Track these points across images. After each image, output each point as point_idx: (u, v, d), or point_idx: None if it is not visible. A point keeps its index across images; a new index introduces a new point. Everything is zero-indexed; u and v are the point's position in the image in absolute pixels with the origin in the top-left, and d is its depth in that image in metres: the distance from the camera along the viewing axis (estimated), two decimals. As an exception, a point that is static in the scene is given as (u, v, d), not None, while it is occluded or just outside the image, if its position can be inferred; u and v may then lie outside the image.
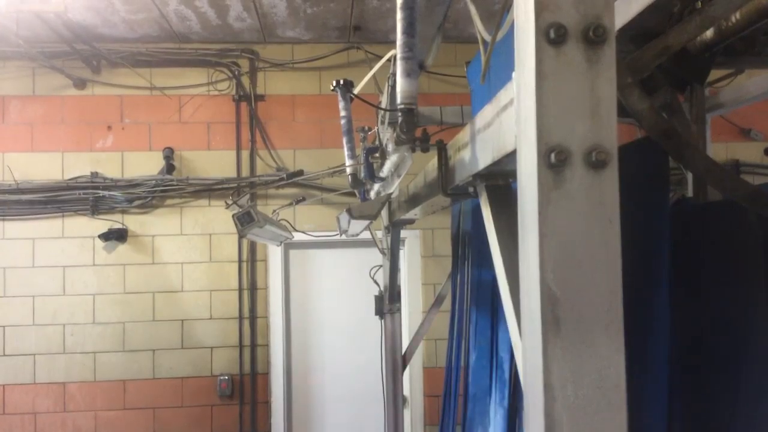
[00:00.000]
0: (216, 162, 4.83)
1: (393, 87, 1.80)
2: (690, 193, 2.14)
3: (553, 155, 0.77)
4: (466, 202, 2.71)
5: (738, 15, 1.36)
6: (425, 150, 1.61)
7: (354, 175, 2.72)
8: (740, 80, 2.45)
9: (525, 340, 0.84)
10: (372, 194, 2.83)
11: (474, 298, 2.58)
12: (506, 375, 2.17)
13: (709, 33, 1.45)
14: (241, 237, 4.55)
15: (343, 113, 2.53)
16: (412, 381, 4.83)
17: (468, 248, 2.75)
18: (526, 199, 0.81)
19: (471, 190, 1.56)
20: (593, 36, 0.77)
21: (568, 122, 0.77)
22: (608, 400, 0.77)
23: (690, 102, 1.99)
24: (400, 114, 1.41)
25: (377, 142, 2.30)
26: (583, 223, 0.77)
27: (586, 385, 0.76)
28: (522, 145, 0.83)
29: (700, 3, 1.38)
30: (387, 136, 1.94)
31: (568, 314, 0.77)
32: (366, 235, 3.47)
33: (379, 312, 3.31)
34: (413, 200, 2.39)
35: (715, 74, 2.06)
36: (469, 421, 2.45)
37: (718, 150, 4.87)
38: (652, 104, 1.11)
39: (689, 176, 2.21)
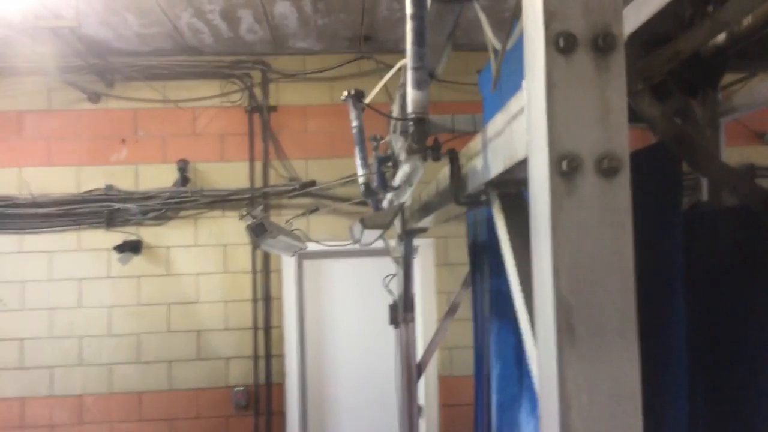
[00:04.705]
0: (229, 173, 4.85)
1: (404, 97, 1.80)
2: (705, 197, 2.12)
3: (564, 163, 0.77)
4: (480, 211, 2.70)
5: (750, 19, 1.35)
6: (437, 159, 1.60)
7: (366, 184, 2.72)
8: (754, 83, 2.42)
9: (540, 348, 0.83)
10: (384, 203, 2.83)
11: (495, 307, 2.56)
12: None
13: (721, 37, 1.45)
14: (255, 248, 4.58)
15: (354, 123, 2.53)
16: (427, 390, 4.81)
17: (485, 257, 2.74)
18: (539, 207, 0.81)
19: (483, 198, 1.56)
20: (602, 44, 0.77)
21: (578, 130, 0.77)
22: (624, 408, 0.76)
23: (703, 107, 1.98)
24: (411, 124, 1.42)
25: (389, 151, 2.30)
26: (595, 230, 0.77)
27: (602, 394, 0.76)
28: (533, 153, 0.83)
29: (711, 7, 1.38)
30: (399, 145, 1.95)
31: (582, 322, 0.77)
32: (379, 244, 3.47)
33: (394, 321, 3.31)
34: (426, 209, 2.39)
35: (728, 78, 2.04)
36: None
37: (733, 154, 4.82)
38: (664, 110, 1.10)
39: (704, 181, 2.20)
